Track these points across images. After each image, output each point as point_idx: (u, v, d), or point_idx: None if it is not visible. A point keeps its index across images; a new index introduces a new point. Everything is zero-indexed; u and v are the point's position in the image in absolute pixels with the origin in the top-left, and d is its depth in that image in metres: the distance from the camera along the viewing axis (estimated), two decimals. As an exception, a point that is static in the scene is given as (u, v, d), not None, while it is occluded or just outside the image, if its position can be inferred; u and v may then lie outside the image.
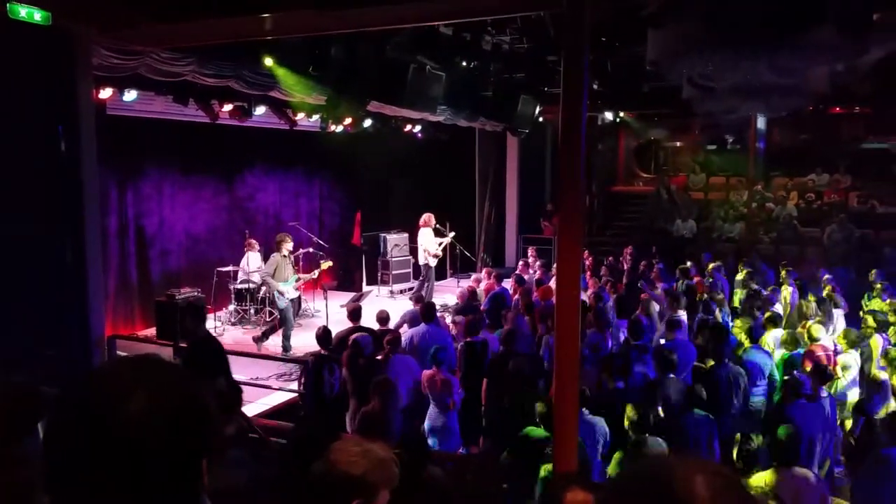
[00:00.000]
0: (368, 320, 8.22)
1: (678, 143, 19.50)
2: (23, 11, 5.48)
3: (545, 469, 4.50)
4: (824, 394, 5.77)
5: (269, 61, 7.99)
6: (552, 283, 10.19)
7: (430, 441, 6.07)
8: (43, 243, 6.59)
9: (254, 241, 11.20)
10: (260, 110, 10.08)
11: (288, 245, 9.82)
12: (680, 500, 0.90)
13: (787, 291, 10.18)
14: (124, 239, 10.54)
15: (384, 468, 2.14)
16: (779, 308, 9.14)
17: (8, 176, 6.19)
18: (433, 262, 12.46)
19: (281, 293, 9.53)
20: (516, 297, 9.89)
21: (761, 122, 16.56)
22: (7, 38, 5.75)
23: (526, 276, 11.29)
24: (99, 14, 6.33)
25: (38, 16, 5.58)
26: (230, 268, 11.17)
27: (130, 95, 8.35)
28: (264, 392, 7.81)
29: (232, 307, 11.22)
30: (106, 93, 7.96)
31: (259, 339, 9.62)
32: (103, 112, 8.12)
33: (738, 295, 10.32)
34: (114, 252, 10.24)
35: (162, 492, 1.01)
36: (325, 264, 10.84)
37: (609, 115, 15.88)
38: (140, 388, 1.02)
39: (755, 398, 6.62)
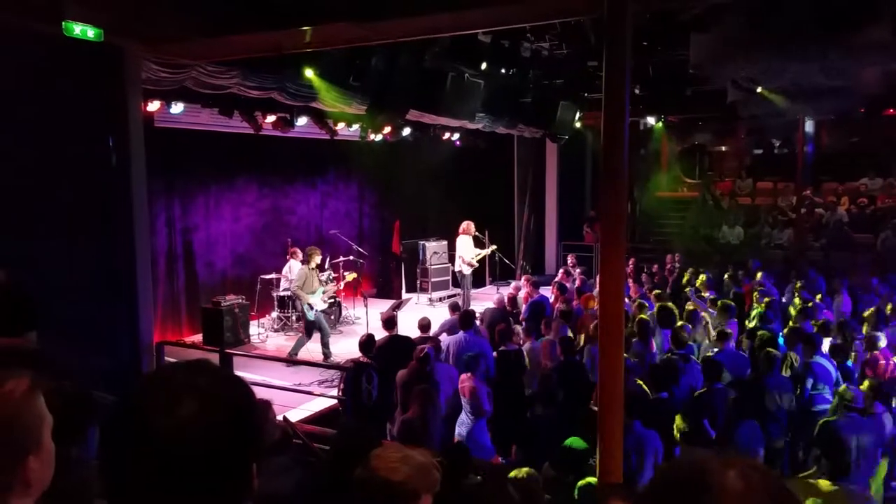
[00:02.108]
0: (409, 328, 8.25)
1: (723, 148, 19.14)
2: (77, 29, 5.67)
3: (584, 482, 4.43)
4: (880, 409, 5.57)
5: (309, 73, 8.10)
6: (593, 292, 10.10)
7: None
8: (94, 252, 6.78)
9: (297, 250, 11.34)
10: (302, 121, 10.23)
11: (317, 259, 9.90)
12: (713, 494, 0.89)
13: (839, 299, 9.89)
14: (172, 247, 10.78)
15: (425, 473, 2.14)
16: (830, 317, 8.88)
17: (61, 186, 6.39)
18: (467, 271, 12.41)
19: (311, 305, 9.59)
20: (557, 305, 9.80)
21: (809, 126, 16.15)
22: (62, 55, 5.95)
23: (567, 284, 11.19)
24: (148, 30, 6.51)
25: (90, 32, 5.78)
26: (273, 275, 11.34)
27: (177, 108, 8.55)
28: (306, 398, 7.88)
29: (275, 314, 11.38)
30: (154, 105, 8.16)
31: (293, 355, 9.65)
32: (151, 124, 8.33)
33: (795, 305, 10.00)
34: (161, 260, 10.48)
35: (214, 495, 1.03)
36: (350, 276, 10.95)
37: (651, 120, 15.68)
38: (191, 393, 1.04)
39: (819, 405, 6.45)
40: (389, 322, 7.72)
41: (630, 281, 10.83)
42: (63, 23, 5.65)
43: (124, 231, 6.94)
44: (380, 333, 7.79)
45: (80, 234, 6.60)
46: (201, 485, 1.01)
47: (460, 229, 12.48)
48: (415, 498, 2.10)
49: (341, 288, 10.81)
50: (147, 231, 7.44)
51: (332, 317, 11.35)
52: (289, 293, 11.07)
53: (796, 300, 9.91)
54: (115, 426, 1.06)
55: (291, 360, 9.14)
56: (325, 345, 9.64)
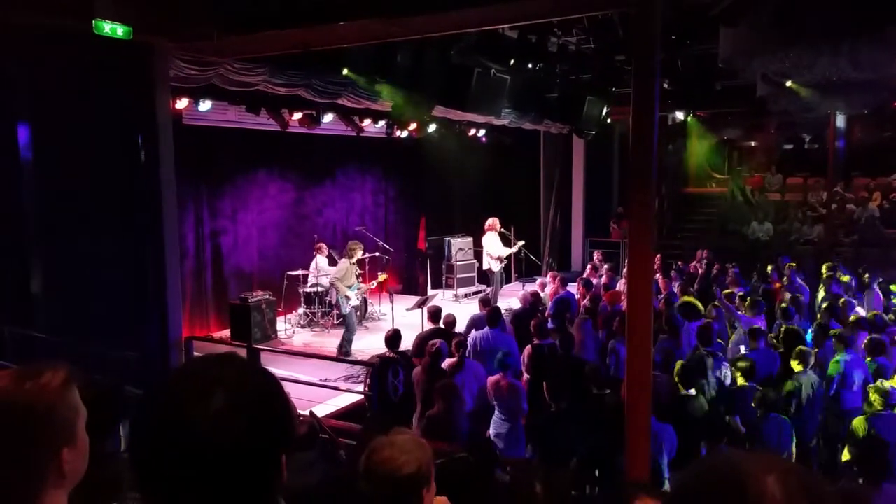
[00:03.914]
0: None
1: (753, 143, 18.86)
2: (107, 27, 5.74)
3: None
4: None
5: (335, 69, 8.14)
6: (619, 288, 10.02)
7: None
8: (124, 249, 6.88)
9: (323, 245, 11.42)
10: (328, 118, 10.28)
11: (358, 253, 9.96)
12: (751, 501, 0.84)
13: (870, 296, 9.72)
14: (199, 243, 10.89)
15: (424, 449, 2.17)
16: (861, 312, 8.72)
17: (92, 184, 6.50)
18: (496, 267, 12.38)
19: (347, 297, 9.68)
20: (584, 301, 9.74)
21: (840, 120, 15.86)
22: (92, 52, 6.04)
23: (594, 280, 11.12)
24: (176, 27, 6.58)
25: (120, 31, 5.84)
26: (300, 271, 11.41)
27: (205, 105, 8.63)
28: (333, 393, 7.93)
29: (301, 310, 11.46)
30: (182, 103, 8.24)
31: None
32: (179, 122, 8.42)
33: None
34: (189, 256, 10.60)
35: (244, 488, 1.03)
36: (382, 277, 10.99)
37: (680, 115, 15.49)
38: (220, 386, 1.04)
39: (848, 403, 6.34)
40: (436, 315, 7.75)
41: (659, 276, 10.72)
42: (93, 21, 5.72)
43: (153, 227, 7.03)
44: (405, 329, 7.81)
45: (109, 229, 6.71)
46: (232, 477, 1.01)
47: (486, 226, 12.46)
48: (430, 476, 2.15)
49: (373, 287, 10.86)
50: (176, 227, 7.53)
51: (359, 313, 11.41)
52: (315, 289, 11.15)
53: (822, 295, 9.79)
54: (145, 419, 1.07)
55: (318, 356, 9.19)
56: (347, 342, 9.70)
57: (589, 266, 12.79)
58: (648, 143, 4.41)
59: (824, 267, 11.17)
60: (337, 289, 9.90)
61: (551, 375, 6.63)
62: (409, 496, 2.10)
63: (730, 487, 0.87)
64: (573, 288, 10.97)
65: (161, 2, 6.41)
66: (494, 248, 12.32)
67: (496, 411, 6.39)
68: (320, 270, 11.18)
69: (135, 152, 6.88)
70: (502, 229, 12.63)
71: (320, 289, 11.16)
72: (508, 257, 12.95)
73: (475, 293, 13.14)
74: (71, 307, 6.24)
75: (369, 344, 9.88)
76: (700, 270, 12.17)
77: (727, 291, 9.49)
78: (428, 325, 8.05)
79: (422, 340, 7.21)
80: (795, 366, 6.25)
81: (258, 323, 10.17)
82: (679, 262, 12.65)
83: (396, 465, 2.08)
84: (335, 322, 11.14)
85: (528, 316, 8.68)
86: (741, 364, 6.08)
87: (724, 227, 16.14)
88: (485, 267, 12.66)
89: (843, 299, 8.97)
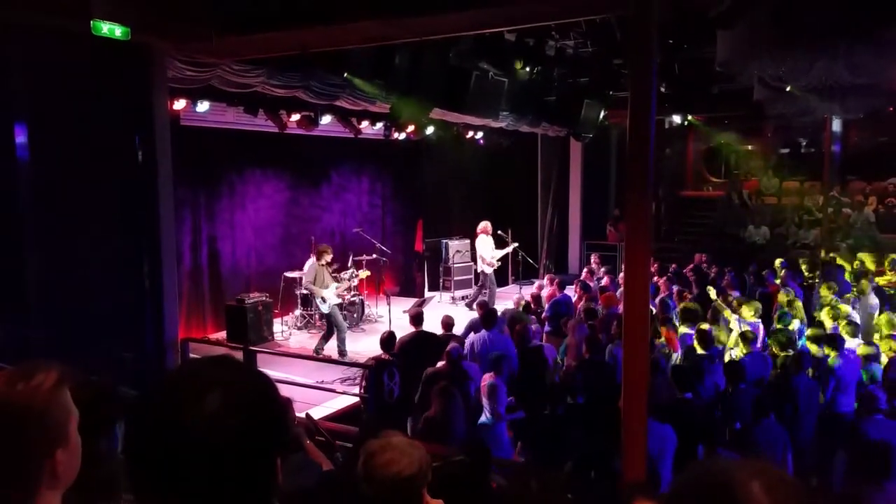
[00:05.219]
0: (432, 326, 8.25)
1: (749, 147, 18.91)
2: (104, 27, 5.73)
3: None
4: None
5: (335, 70, 8.14)
6: (617, 291, 10.03)
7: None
8: (120, 250, 6.87)
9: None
10: (326, 119, 10.28)
11: (327, 256, 9.95)
12: None
13: (865, 300, 9.72)
14: (196, 244, 10.87)
15: (419, 449, 2.23)
16: (856, 317, 8.72)
17: (89, 184, 6.48)
18: (488, 270, 12.46)
19: (323, 299, 9.66)
20: (580, 304, 9.74)
21: (837, 124, 15.91)
22: (91, 53, 6.03)
23: (591, 283, 11.12)
24: (174, 28, 6.58)
25: (118, 31, 5.83)
26: (296, 273, 11.38)
27: (203, 106, 8.62)
28: (329, 396, 7.92)
29: (298, 312, 11.44)
30: (180, 104, 8.24)
31: (318, 350, 9.72)
32: (177, 122, 8.41)
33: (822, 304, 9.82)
34: (186, 257, 10.58)
35: (239, 490, 1.03)
36: (363, 273, 10.97)
37: (677, 119, 15.52)
38: (216, 388, 1.04)
39: (842, 408, 6.35)
40: (417, 318, 7.74)
41: (662, 280, 10.72)
42: (91, 21, 5.71)
43: (150, 228, 7.02)
44: (401, 331, 7.80)
45: (106, 230, 6.69)
46: (227, 479, 1.02)
47: (478, 229, 12.57)
48: (427, 474, 2.21)
49: (355, 283, 10.85)
50: (173, 228, 7.51)
51: (355, 315, 11.40)
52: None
53: (823, 299, 9.76)
54: (140, 421, 1.07)
55: (314, 358, 9.19)
56: (341, 341, 9.69)
57: (586, 269, 12.81)
58: (645, 147, 4.42)
59: (819, 270, 11.20)
60: (311, 292, 9.90)
61: (535, 381, 6.66)
62: (411, 497, 2.14)
63: (718, 493, 0.91)
64: (571, 290, 10.98)
65: (160, 3, 6.40)
66: (488, 252, 12.39)
67: (484, 409, 6.38)
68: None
69: (132, 153, 6.87)
70: (499, 231, 12.67)
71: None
72: (502, 259, 13.00)
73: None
74: (67, 307, 6.22)
75: (366, 346, 9.87)
76: (696, 274, 12.17)
77: (728, 296, 9.51)
78: (432, 329, 8.04)
79: (403, 344, 7.19)
80: (790, 369, 6.26)
81: (254, 324, 10.15)
82: (674, 266, 12.67)
83: (399, 467, 2.12)
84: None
85: (519, 319, 8.70)
86: (734, 367, 6.09)
87: (721, 231, 16.17)
88: (478, 269, 12.75)
89: (838, 303, 8.98)
